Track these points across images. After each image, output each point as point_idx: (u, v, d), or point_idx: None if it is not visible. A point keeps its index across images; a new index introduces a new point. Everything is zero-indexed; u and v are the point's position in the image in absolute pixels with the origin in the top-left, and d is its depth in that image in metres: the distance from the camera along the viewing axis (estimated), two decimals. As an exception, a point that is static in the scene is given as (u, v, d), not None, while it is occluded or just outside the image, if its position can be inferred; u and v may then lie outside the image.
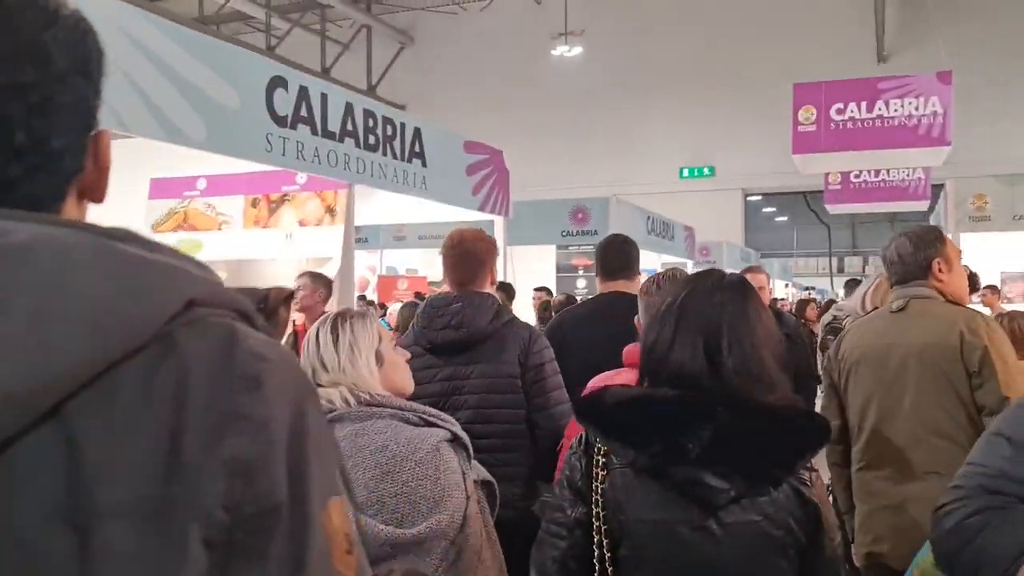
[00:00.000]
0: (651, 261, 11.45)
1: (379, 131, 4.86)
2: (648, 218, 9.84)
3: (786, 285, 22.43)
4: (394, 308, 7.39)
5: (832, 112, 10.25)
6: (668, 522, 1.39)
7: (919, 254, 2.53)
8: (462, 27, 22.41)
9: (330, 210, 4.95)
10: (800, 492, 1.41)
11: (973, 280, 6.59)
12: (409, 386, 1.93)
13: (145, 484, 0.53)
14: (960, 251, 2.66)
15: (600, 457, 1.46)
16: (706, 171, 21.63)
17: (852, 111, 10.21)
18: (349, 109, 4.62)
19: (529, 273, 10.70)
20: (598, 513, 1.43)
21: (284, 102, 4.13)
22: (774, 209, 34.97)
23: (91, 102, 0.66)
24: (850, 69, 13.09)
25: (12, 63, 0.59)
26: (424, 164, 5.31)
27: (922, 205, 15.98)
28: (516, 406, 2.62)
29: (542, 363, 2.66)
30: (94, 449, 0.52)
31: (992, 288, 8.16)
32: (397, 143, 5.03)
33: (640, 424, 1.43)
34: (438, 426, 1.76)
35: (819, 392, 3.46)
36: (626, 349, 2.27)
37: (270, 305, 2.83)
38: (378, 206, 6.00)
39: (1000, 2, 18.06)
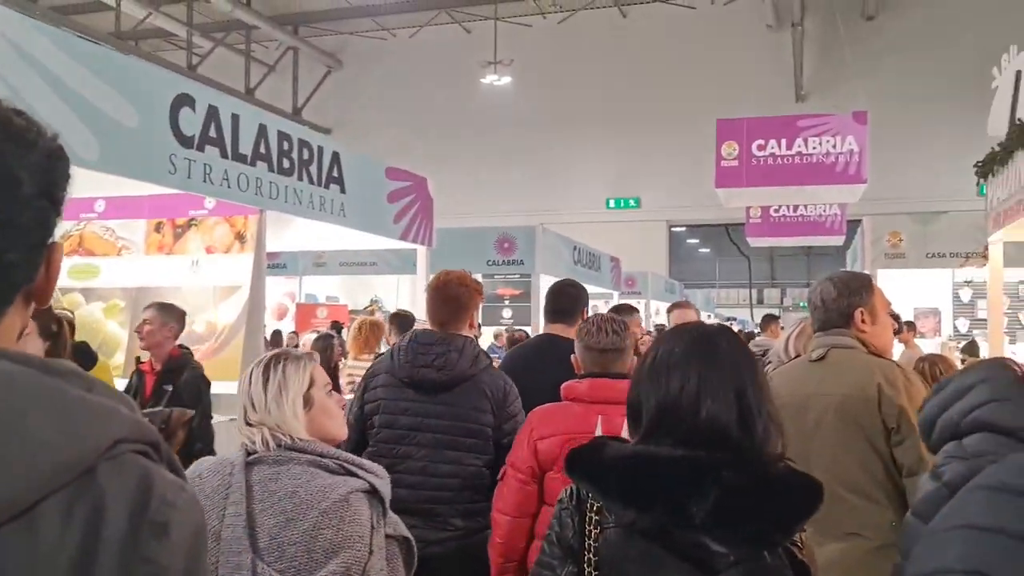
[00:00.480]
0: (577, 292, 11.45)
1: (295, 155, 4.64)
2: (574, 248, 9.80)
3: (708, 316, 22.72)
4: (307, 339, 7.08)
5: (754, 148, 10.45)
6: None
7: (842, 301, 2.41)
8: (391, 52, 22.27)
9: (240, 236, 4.69)
10: (792, 554, 1.39)
11: (895, 320, 6.64)
12: (341, 432, 1.90)
13: None
14: (888, 302, 2.54)
15: (593, 515, 1.40)
16: (632, 202, 21.90)
17: (773, 147, 10.42)
18: (263, 131, 4.38)
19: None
20: (591, 573, 1.38)
21: (191, 122, 3.88)
22: (697, 241, 35.75)
23: (51, 221, 0.74)
24: (770, 107, 13.43)
25: None
26: (343, 190, 5.10)
27: (838, 240, 16.47)
28: (484, 452, 2.68)
29: (516, 415, 2.72)
30: (14, 573, 0.59)
31: (909, 324, 8.36)
32: (314, 168, 4.81)
33: (644, 484, 1.35)
34: (357, 476, 1.73)
35: None
36: (564, 385, 2.42)
37: (170, 427, 3.07)
38: (298, 232, 5.76)
39: (914, 46, 18.88)
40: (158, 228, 4.94)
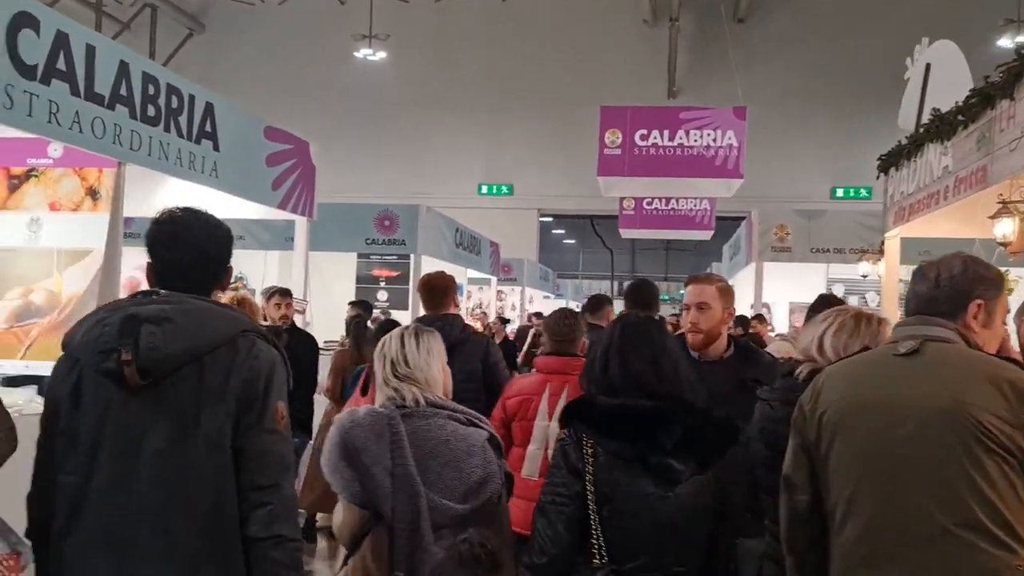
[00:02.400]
0: (457, 276, 11.04)
1: (162, 101, 4.01)
2: (457, 230, 9.42)
3: (577, 305, 22.86)
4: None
5: (636, 137, 10.39)
6: (643, 492, 1.95)
7: (964, 282, 1.85)
8: (259, 18, 21.00)
9: (92, 192, 4.01)
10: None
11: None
12: (451, 390, 2.37)
13: (220, 390, 1.80)
14: (1008, 310, 2.01)
15: (588, 448, 1.99)
16: (505, 189, 21.72)
17: (655, 138, 10.39)
18: (124, 69, 3.74)
19: (323, 285, 9.91)
20: (590, 487, 1.96)
21: (33, 48, 3.22)
22: (563, 231, 36.16)
23: (224, 264, 2.01)
24: (642, 101, 13.47)
25: (198, 249, 1.94)
26: (216, 147, 4.50)
27: (706, 234, 16.91)
28: (478, 390, 3.74)
29: (498, 361, 3.97)
30: (208, 378, 1.80)
31: (759, 318, 8.42)
32: (184, 119, 4.20)
33: (628, 425, 1.99)
34: (480, 427, 2.25)
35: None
36: (537, 360, 3.50)
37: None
38: (158, 193, 5.08)
39: (782, 50, 19.64)
40: (-11, 178, 4.15)
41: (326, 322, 7.87)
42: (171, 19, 20.61)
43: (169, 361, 1.74)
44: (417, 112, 20.82)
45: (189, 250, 1.88)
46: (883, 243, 5.29)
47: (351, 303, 7.06)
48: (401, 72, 20.51)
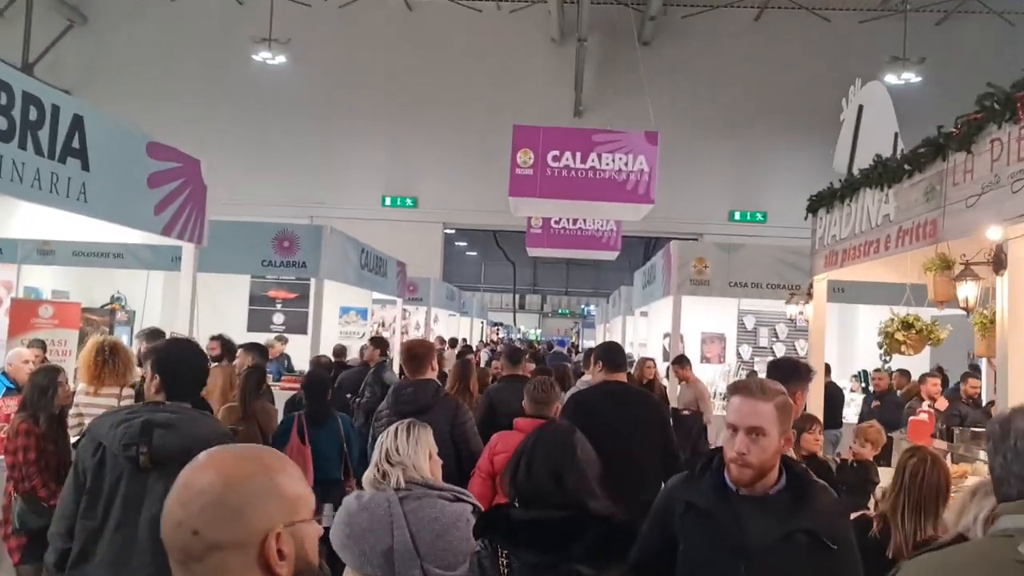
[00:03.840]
0: (361, 299, 10.46)
1: (16, 112, 3.38)
2: (362, 251, 8.86)
3: (482, 323, 22.56)
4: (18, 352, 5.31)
5: (549, 158, 10.13)
6: None
7: None
8: (147, 12, 19.82)
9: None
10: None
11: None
12: (439, 474, 2.76)
13: None
14: None
15: (503, 558, 2.11)
16: (409, 201, 21.19)
17: (568, 159, 10.17)
18: (-33, 75, 3.11)
19: (213, 306, 9.16)
20: None
21: None
22: (466, 243, 35.83)
23: (205, 376, 3.01)
24: (548, 119, 13.25)
25: (192, 371, 2.84)
26: (86, 166, 3.87)
27: (612, 254, 16.89)
28: (448, 449, 3.73)
29: (464, 422, 4.24)
30: None
31: (681, 360, 8.17)
32: (45, 133, 3.56)
33: (540, 537, 2.09)
34: (465, 501, 2.69)
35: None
36: (516, 420, 3.91)
37: None
38: (15, 215, 4.39)
39: (689, 75, 19.88)
40: None
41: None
42: (50, 8, 19.15)
43: (170, 454, 2.47)
44: (319, 120, 20.07)
45: (186, 371, 2.78)
46: (811, 286, 5.15)
47: (244, 347, 6.01)
48: (302, 78, 19.74)
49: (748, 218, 20.82)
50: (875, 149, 4.08)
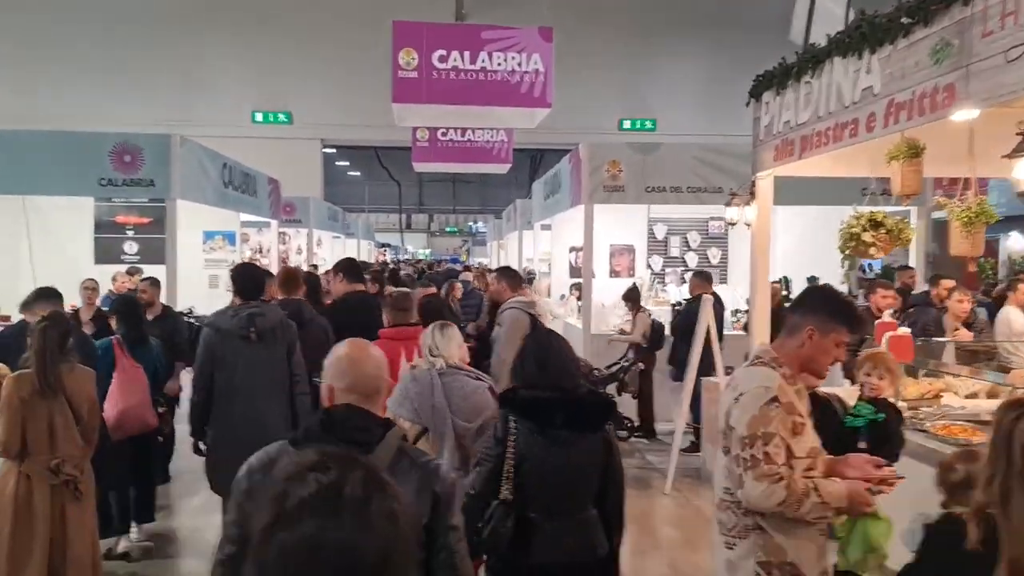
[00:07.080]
0: (228, 222, 9.26)
1: None
2: (225, 166, 7.69)
3: (369, 244, 21.30)
4: None
5: (435, 59, 9.09)
6: (547, 451, 2.88)
7: None
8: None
9: None
10: (606, 438, 3.00)
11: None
12: (466, 357, 3.79)
13: (282, 339, 4.66)
14: None
15: (512, 423, 2.91)
16: (282, 117, 19.58)
17: (455, 60, 9.17)
18: None
19: (52, 237, 7.87)
20: (511, 451, 2.89)
21: None
22: (348, 163, 34.15)
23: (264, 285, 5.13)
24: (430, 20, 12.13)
25: (258, 285, 4.75)
26: None
27: (503, 168, 16.06)
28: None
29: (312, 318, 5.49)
30: (278, 335, 4.62)
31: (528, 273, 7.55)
32: None
33: (538, 410, 2.92)
34: (482, 380, 3.69)
35: None
36: (381, 331, 4.61)
37: None
38: None
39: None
40: None
41: (64, 289, 5.87)
42: None
43: (265, 330, 4.36)
44: (178, 26, 18.00)
45: (256, 285, 4.65)
46: (753, 184, 4.49)
47: (27, 300, 4.84)
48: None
49: (638, 127, 20.32)
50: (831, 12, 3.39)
